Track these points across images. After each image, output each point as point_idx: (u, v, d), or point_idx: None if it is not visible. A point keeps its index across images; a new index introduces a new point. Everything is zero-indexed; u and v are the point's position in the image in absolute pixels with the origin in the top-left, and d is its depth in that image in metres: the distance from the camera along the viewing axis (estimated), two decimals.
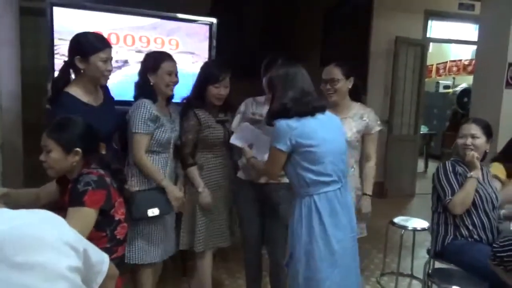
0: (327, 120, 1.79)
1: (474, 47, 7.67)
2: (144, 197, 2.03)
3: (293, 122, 1.70)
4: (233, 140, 2.10)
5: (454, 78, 8.89)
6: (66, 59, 1.96)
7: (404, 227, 2.84)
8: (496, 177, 2.30)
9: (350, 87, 2.24)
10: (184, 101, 2.23)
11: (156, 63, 2.06)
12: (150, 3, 3.10)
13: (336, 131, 1.83)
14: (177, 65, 2.14)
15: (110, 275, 1.05)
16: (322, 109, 1.79)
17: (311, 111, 1.74)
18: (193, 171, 2.15)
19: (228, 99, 2.24)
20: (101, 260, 1.00)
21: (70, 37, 1.99)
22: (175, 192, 2.07)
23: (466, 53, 8.60)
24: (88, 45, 1.90)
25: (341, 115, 2.22)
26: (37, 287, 0.77)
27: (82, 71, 1.90)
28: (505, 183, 2.35)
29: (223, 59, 2.30)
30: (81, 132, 1.54)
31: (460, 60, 8.63)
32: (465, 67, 8.51)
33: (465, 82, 8.36)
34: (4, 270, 0.77)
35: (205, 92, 2.15)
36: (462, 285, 2.03)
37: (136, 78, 2.15)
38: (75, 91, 1.92)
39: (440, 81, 9.01)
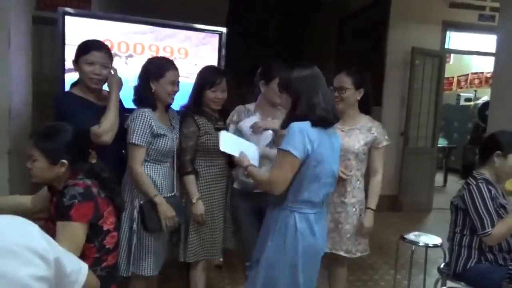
0: (332, 135, 1.71)
1: None
2: (154, 207, 1.97)
3: (312, 130, 1.60)
4: (223, 148, 1.95)
5: (475, 91, 8.66)
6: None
7: (415, 243, 2.73)
8: (510, 193, 2.19)
9: (359, 98, 2.18)
10: (183, 108, 2.21)
11: (160, 71, 2.03)
12: (165, 14, 3.14)
13: (336, 151, 1.75)
14: (178, 73, 2.12)
15: (89, 284, 1.02)
16: (336, 122, 1.73)
17: (330, 122, 1.67)
18: (191, 179, 2.10)
19: (227, 106, 2.21)
20: (77, 269, 0.97)
21: None
22: (167, 211, 1.98)
23: (488, 66, 8.37)
24: (79, 48, 1.97)
25: (347, 126, 2.18)
26: None
27: (78, 73, 1.99)
28: None
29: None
30: (69, 142, 1.50)
31: (482, 73, 8.42)
32: (487, 79, 8.29)
33: (487, 95, 8.13)
34: None
35: (202, 98, 2.13)
36: None
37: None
38: (76, 91, 2.01)
39: (461, 94, 8.80)
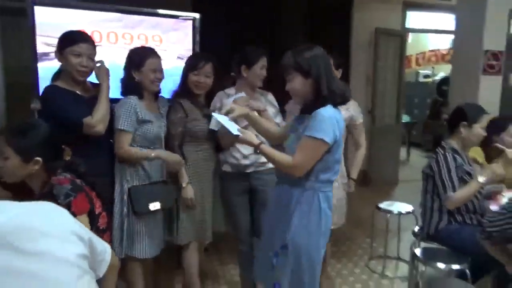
0: (340, 115, 1.68)
1: (452, 36, 7.96)
2: (142, 191, 2.06)
3: (335, 112, 1.60)
4: (226, 127, 1.75)
5: (433, 68, 9.07)
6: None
7: (390, 212, 2.94)
8: (475, 160, 2.40)
9: (339, 77, 2.29)
10: (172, 94, 2.26)
11: (140, 60, 2.07)
12: (133, 1, 3.10)
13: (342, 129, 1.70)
14: (161, 60, 2.15)
15: (112, 264, 1.09)
16: (348, 101, 1.73)
17: (345, 101, 1.69)
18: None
19: (210, 94, 2.26)
20: (104, 249, 1.04)
21: (52, 36, 2.02)
22: (171, 156, 2.07)
23: (444, 43, 8.78)
24: (63, 39, 1.95)
25: None
26: (47, 273, 0.81)
27: (62, 65, 1.96)
28: (484, 166, 2.46)
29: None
30: (43, 139, 1.45)
31: (439, 50, 8.82)
32: (443, 56, 8.70)
33: (443, 71, 8.56)
34: (14, 258, 0.80)
35: (187, 81, 2.18)
36: (446, 262, 2.14)
37: (120, 74, 2.14)
38: (61, 83, 1.98)
39: (420, 71, 9.18)
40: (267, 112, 2.20)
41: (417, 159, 7.28)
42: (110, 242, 1.65)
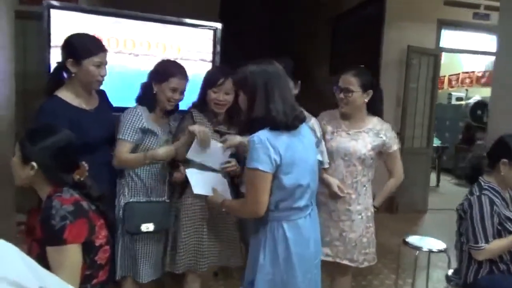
0: (302, 134, 1.56)
1: (488, 58, 7.61)
2: (138, 209, 1.91)
3: (273, 136, 1.45)
4: (197, 191, 1.87)
5: (467, 90, 8.68)
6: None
7: (419, 248, 2.64)
8: None
9: (366, 100, 2.05)
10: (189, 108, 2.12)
11: (164, 75, 1.95)
12: (155, 8, 2.99)
13: (310, 148, 1.61)
14: (187, 82, 2.01)
15: None
16: (300, 124, 1.57)
17: (293, 126, 1.51)
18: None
19: (233, 111, 2.03)
20: None
21: None
22: (168, 152, 1.89)
23: (479, 65, 8.40)
24: (82, 48, 1.81)
25: (354, 129, 2.07)
26: None
27: (73, 74, 1.81)
28: None
29: (229, 65, 2.13)
30: (48, 145, 1.34)
31: (473, 72, 8.43)
32: (478, 79, 8.31)
33: (477, 94, 8.16)
34: None
35: (206, 97, 2.01)
36: None
37: (132, 83, 2.04)
38: (65, 95, 1.84)
39: (452, 93, 8.80)
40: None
41: (448, 186, 6.89)
42: (106, 282, 1.46)
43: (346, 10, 5.63)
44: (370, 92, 2.04)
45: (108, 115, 1.99)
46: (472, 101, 7.96)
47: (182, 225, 1.96)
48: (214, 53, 3.01)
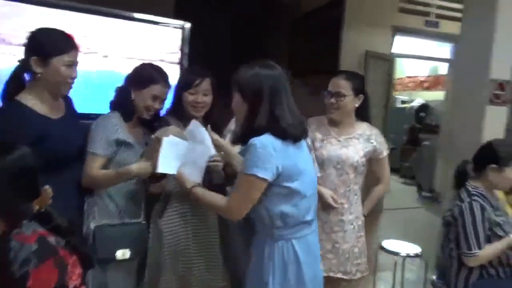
0: (301, 146, 1.45)
1: (432, 63, 8.06)
2: (111, 233, 1.67)
3: (277, 142, 1.33)
4: (162, 168, 1.56)
5: (411, 94, 9.12)
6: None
7: (397, 254, 2.64)
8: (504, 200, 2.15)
9: (357, 105, 1.98)
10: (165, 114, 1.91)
11: (145, 81, 1.74)
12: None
13: (309, 161, 1.53)
14: (168, 91, 1.82)
15: None
16: (305, 137, 1.47)
17: (299, 137, 1.40)
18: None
19: (211, 115, 1.89)
20: None
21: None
22: (142, 166, 1.64)
23: (422, 70, 8.87)
24: (50, 45, 1.53)
25: (344, 135, 1.99)
26: None
27: (39, 75, 1.52)
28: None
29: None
30: (1, 171, 1.03)
31: (417, 77, 8.89)
32: (421, 83, 8.77)
33: (420, 97, 8.61)
34: None
35: (182, 101, 1.84)
36: None
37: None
38: (27, 99, 1.53)
39: (397, 96, 9.20)
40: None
41: (395, 185, 7.16)
42: None
43: (304, 13, 5.63)
44: (361, 96, 1.98)
45: (75, 125, 1.72)
46: (416, 104, 8.37)
47: (164, 251, 1.75)
48: (182, 54, 2.81)
